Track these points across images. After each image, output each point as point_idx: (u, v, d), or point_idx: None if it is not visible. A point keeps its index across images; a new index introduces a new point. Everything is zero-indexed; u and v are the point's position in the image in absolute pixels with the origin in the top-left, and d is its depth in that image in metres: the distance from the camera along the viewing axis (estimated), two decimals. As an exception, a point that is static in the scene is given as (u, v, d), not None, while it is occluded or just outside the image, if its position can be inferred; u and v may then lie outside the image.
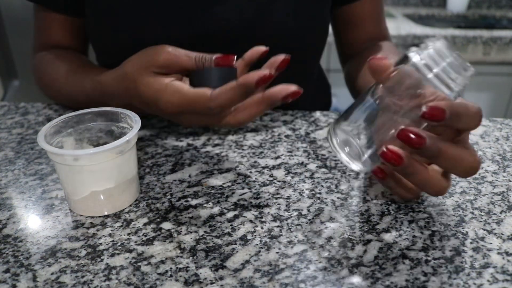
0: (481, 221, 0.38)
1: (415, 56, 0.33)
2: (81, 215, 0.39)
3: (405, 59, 0.34)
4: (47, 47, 0.63)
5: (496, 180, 0.44)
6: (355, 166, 0.37)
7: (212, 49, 0.56)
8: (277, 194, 0.42)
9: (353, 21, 0.68)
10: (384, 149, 0.33)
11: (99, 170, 0.36)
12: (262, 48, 0.43)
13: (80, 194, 0.38)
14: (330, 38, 0.72)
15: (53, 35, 0.63)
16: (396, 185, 0.38)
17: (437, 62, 0.32)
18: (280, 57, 0.41)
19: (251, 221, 0.38)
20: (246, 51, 0.57)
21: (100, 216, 0.39)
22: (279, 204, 0.40)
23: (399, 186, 0.38)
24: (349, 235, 0.36)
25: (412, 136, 0.32)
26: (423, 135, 0.32)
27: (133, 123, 0.39)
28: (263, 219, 0.38)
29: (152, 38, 0.55)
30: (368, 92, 0.36)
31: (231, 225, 0.38)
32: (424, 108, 0.31)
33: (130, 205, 0.40)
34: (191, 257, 0.34)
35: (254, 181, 0.44)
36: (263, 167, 0.46)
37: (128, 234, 0.37)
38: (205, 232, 0.37)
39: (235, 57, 0.42)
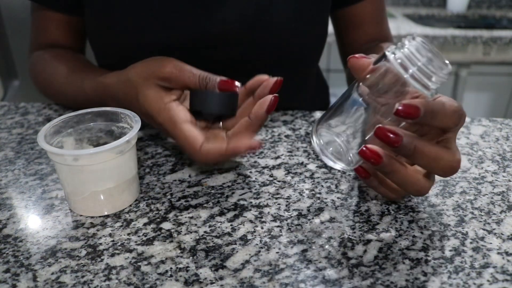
0: (481, 221, 0.38)
1: (391, 55, 0.33)
2: (81, 215, 0.39)
3: (383, 58, 0.34)
4: (44, 46, 0.63)
5: (496, 180, 0.44)
6: (339, 165, 0.37)
7: (212, 51, 0.56)
8: (277, 194, 0.42)
9: (354, 22, 0.68)
10: (364, 148, 0.33)
11: (99, 170, 0.36)
12: (264, 77, 0.43)
13: (80, 194, 0.38)
14: (330, 38, 0.72)
15: (51, 34, 0.63)
16: (379, 184, 0.38)
17: (413, 61, 0.32)
18: (272, 80, 0.42)
19: (251, 221, 0.38)
20: (246, 52, 0.57)
21: (100, 216, 0.39)
22: (279, 204, 0.40)
23: (382, 185, 0.38)
24: (349, 235, 0.36)
25: (389, 134, 0.32)
26: (400, 133, 0.32)
27: (133, 123, 0.39)
28: (263, 219, 0.38)
29: (152, 39, 0.55)
30: (349, 91, 0.36)
31: (231, 225, 0.38)
32: (398, 106, 0.31)
33: (130, 205, 0.40)
34: (191, 257, 0.34)
35: (254, 181, 0.44)
36: (263, 167, 0.46)
37: (128, 234, 0.37)
38: (205, 232, 0.37)
39: (239, 83, 0.42)
